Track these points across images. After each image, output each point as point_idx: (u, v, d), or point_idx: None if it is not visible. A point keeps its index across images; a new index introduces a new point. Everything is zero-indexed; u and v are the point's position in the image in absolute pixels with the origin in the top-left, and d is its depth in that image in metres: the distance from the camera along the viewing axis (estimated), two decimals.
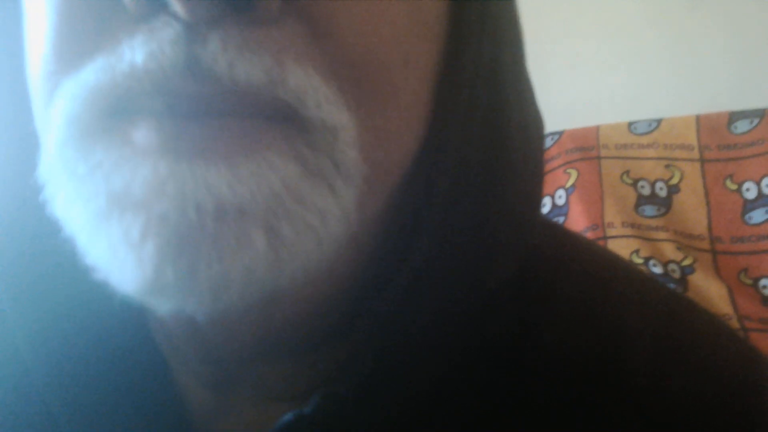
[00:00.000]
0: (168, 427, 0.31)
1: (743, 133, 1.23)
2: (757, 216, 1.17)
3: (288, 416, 0.27)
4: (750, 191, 1.19)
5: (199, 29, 0.21)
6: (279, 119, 0.23)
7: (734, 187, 1.21)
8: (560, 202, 1.33)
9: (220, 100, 0.22)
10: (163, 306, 0.24)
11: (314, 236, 0.23)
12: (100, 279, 0.24)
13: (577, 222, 1.28)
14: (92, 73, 0.22)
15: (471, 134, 0.29)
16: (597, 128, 1.37)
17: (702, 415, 0.30)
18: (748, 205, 1.18)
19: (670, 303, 0.34)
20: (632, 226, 1.25)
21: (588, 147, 1.35)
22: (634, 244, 1.22)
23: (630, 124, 1.34)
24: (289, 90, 0.22)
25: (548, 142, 1.40)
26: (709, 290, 1.11)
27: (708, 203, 1.22)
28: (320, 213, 0.23)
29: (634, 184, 1.29)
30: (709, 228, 1.21)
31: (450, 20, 0.29)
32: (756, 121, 1.22)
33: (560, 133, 1.39)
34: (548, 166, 1.37)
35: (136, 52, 0.22)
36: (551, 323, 0.31)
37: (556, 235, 0.36)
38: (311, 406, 0.27)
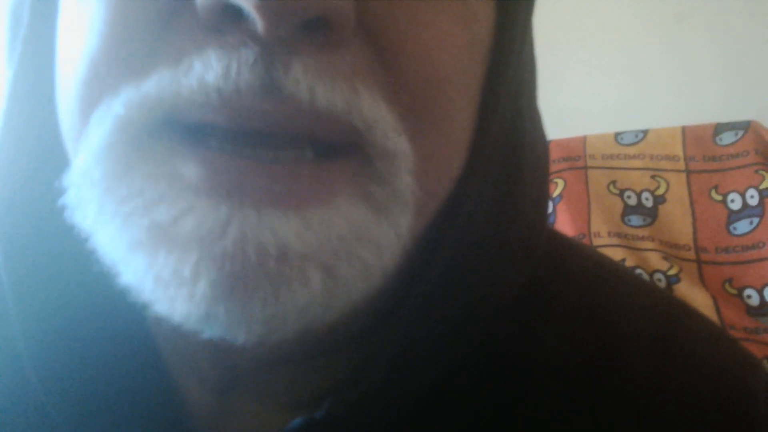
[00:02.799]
0: (166, 429, 0.31)
1: (728, 145, 1.24)
2: (741, 227, 1.18)
3: (297, 421, 0.27)
4: (735, 202, 1.20)
5: (277, 52, 0.21)
6: (346, 148, 0.23)
7: (719, 198, 1.22)
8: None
9: (294, 120, 0.22)
10: (205, 334, 0.23)
11: (368, 272, 0.24)
12: (115, 285, 0.24)
13: (564, 231, 1.28)
14: (155, 84, 0.22)
15: (495, 157, 0.30)
16: (584, 138, 1.38)
17: (698, 417, 0.30)
18: (733, 216, 1.19)
19: (667, 307, 0.34)
20: (618, 235, 1.26)
21: (575, 157, 1.35)
22: (620, 253, 1.22)
23: (616, 134, 1.35)
24: (363, 117, 0.23)
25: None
26: (695, 300, 1.11)
27: (693, 214, 1.23)
28: (378, 249, 0.24)
29: (621, 194, 1.30)
30: (695, 238, 1.22)
31: (492, 46, 0.29)
32: (741, 133, 1.24)
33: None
34: None
35: (208, 69, 0.21)
36: (551, 327, 0.32)
37: (555, 241, 0.37)
38: (323, 411, 0.27)
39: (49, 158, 0.29)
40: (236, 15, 0.21)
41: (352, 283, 0.23)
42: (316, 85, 0.22)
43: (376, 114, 0.23)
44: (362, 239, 0.23)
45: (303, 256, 0.22)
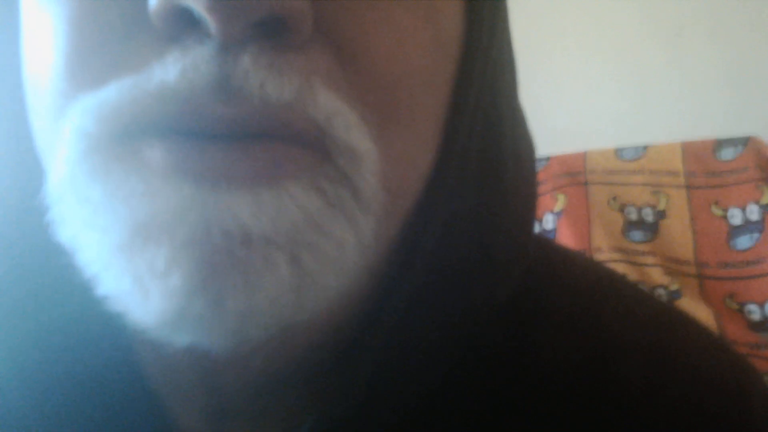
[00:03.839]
0: None
1: (728, 160, 1.25)
2: (742, 242, 1.18)
3: None
4: (735, 217, 1.20)
5: (230, 49, 0.21)
6: (304, 143, 0.23)
7: (720, 213, 1.22)
8: (548, 226, 1.34)
9: (248, 121, 0.22)
10: (181, 340, 0.23)
11: (334, 267, 0.23)
12: (108, 307, 0.23)
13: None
14: (115, 91, 0.22)
15: (469, 159, 0.30)
16: (584, 154, 1.38)
17: (694, 424, 0.30)
18: (734, 231, 1.19)
19: (663, 315, 0.34)
20: (620, 251, 1.26)
21: (576, 172, 1.36)
22: (621, 269, 1.22)
23: (617, 150, 1.36)
24: (319, 108, 0.22)
25: (536, 167, 1.39)
26: (696, 315, 1.10)
27: (694, 229, 1.23)
28: (339, 244, 0.23)
29: (622, 209, 1.30)
30: (696, 253, 1.22)
31: (461, 43, 0.29)
32: (741, 148, 1.24)
33: (548, 159, 1.40)
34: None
35: (168, 70, 0.21)
36: (545, 336, 0.32)
37: (548, 250, 0.37)
38: (305, 428, 0.27)
39: (26, 173, 0.28)
40: (191, 20, 0.21)
41: (319, 276, 0.23)
42: (266, 79, 0.21)
43: (333, 108, 0.22)
44: (318, 231, 0.23)
45: (265, 239, 0.21)
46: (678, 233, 1.24)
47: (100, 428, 0.29)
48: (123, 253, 0.22)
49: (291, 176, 0.22)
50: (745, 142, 1.24)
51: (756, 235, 1.17)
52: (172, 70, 0.21)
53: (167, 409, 0.31)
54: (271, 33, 0.21)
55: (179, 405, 0.31)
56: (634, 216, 1.29)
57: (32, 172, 0.27)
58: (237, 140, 0.22)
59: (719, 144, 1.27)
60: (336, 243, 0.23)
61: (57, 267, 0.25)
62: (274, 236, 0.22)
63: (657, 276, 1.20)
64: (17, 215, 0.29)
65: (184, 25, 0.21)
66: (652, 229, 1.27)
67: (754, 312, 1.12)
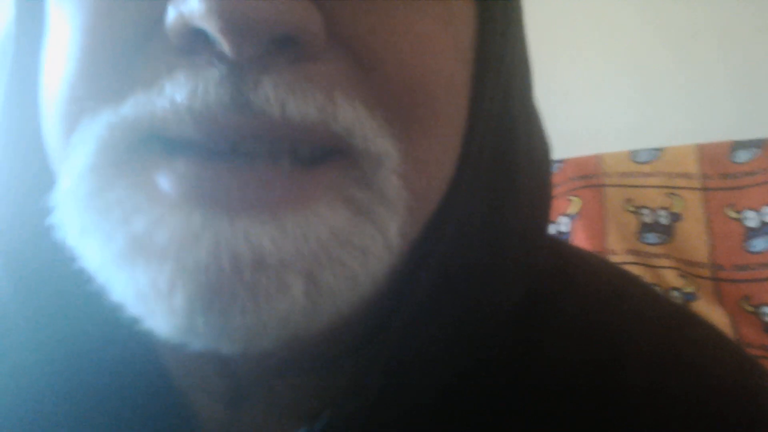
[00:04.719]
0: None
1: (744, 163, 1.24)
2: (758, 244, 1.18)
3: None
4: (751, 220, 1.19)
5: (247, 70, 0.21)
6: (327, 153, 0.23)
7: (735, 215, 1.21)
8: (563, 229, 1.34)
9: (268, 134, 0.22)
10: (194, 346, 0.23)
11: (354, 280, 0.23)
12: (113, 304, 0.24)
13: None
14: (131, 107, 0.22)
15: (482, 162, 0.30)
16: (599, 156, 1.38)
17: (699, 423, 0.30)
18: (750, 234, 1.19)
19: (672, 316, 0.35)
20: (635, 253, 1.25)
21: (590, 175, 1.36)
22: (636, 271, 1.22)
23: (632, 152, 1.36)
24: (339, 124, 0.22)
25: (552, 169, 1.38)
26: (712, 318, 1.10)
27: (709, 231, 1.23)
28: (363, 254, 0.23)
29: (637, 211, 1.30)
30: (711, 256, 1.21)
31: (474, 46, 0.29)
32: (756, 150, 1.23)
33: (563, 161, 1.40)
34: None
35: (177, 89, 0.21)
36: (553, 338, 0.32)
37: (560, 251, 0.37)
38: (320, 424, 0.28)
39: (42, 181, 0.29)
40: (205, 37, 0.21)
41: (336, 291, 0.23)
42: (288, 99, 0.21)
43: (354, 119, 0.23)
44: (345, 244, 0.23)
45: (281, 263, 0.21)
46: (693, 236, 1.24)
47: (125, 421, 0.30)
48: (124, 267, 0.22)
49: (318, 197, 0.23)
50: (761, 144, 1.23)
51: None
52: (181, 89, 0.21)
53: (188, 398, 0.32)
54: (284, 49, 0.22)
55: (200, 394, 0.32)
56: (648, 218, 1.29)
57: (47, 183, 0.27)
58: (256, 159, 0.22)
59: (735, 146, 1.26)
60: (361, 253, 0.23)
61: (76, 268, 0.25)
62: (293, 260, 0.22)
63: (672, 278, 1.20)
64: (39, 217, 0.29)
65: (197, 41, 0.22)
66: (667, 231, 1.26)
67: None
